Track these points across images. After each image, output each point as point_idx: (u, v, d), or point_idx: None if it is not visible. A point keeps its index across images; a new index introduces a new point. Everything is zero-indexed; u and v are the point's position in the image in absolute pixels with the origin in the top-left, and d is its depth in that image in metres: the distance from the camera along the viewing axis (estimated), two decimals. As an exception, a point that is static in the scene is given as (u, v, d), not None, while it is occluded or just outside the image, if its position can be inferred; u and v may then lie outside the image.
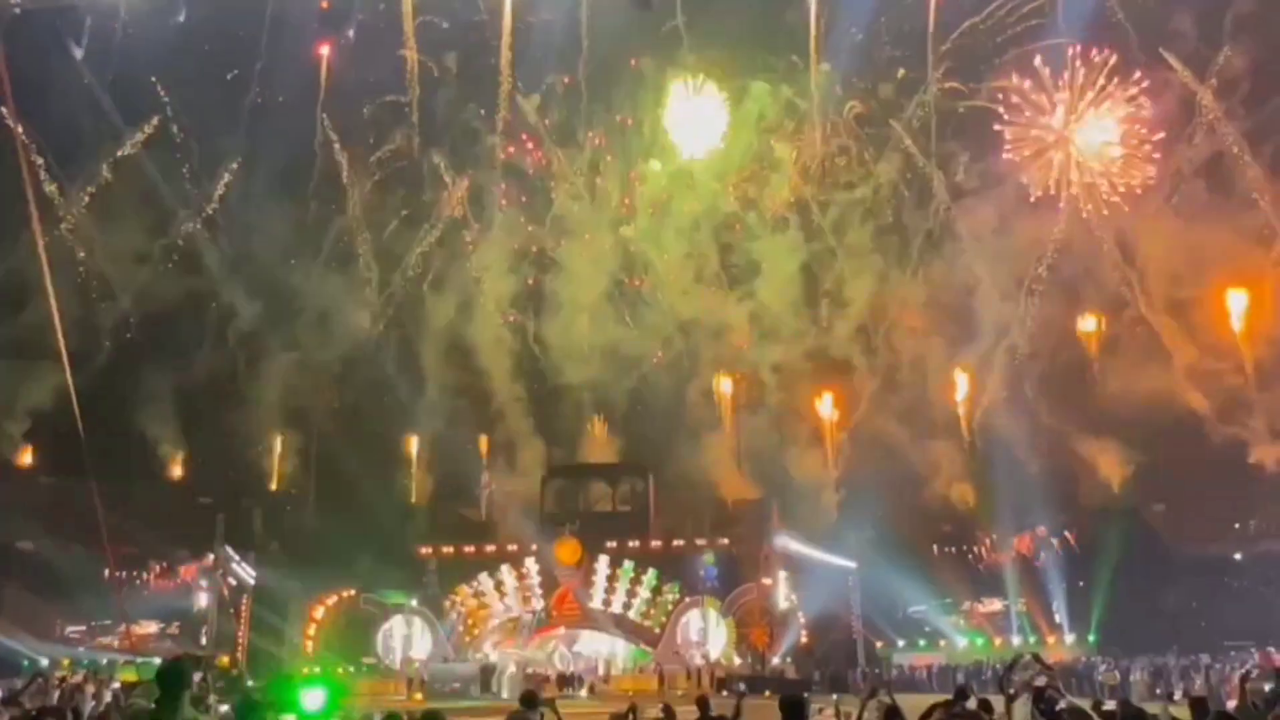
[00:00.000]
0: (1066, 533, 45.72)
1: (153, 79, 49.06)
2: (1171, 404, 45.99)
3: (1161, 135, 48.74)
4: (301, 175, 52.87)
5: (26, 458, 49.52)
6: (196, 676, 7.84)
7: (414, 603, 47.93)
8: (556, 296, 53.01)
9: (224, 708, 9.50)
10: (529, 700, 10.20)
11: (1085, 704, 14.78)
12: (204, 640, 43.41)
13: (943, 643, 45.82)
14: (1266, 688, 25.16)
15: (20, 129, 35.51)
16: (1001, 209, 51.28)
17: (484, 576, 48.08)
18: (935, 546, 48.82)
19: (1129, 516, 45.85)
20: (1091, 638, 44.07)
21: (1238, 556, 44.61)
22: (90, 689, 27.87)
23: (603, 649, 47.50)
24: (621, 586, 47.93)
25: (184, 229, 50.94)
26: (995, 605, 46.31)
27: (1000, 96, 50.42)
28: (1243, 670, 31.18)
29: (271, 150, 51.25)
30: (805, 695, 8.48)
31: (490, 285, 53.33)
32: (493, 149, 54.70)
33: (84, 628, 43.54)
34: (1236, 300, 46.63)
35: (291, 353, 51.32)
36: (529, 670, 44.46)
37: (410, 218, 54.38)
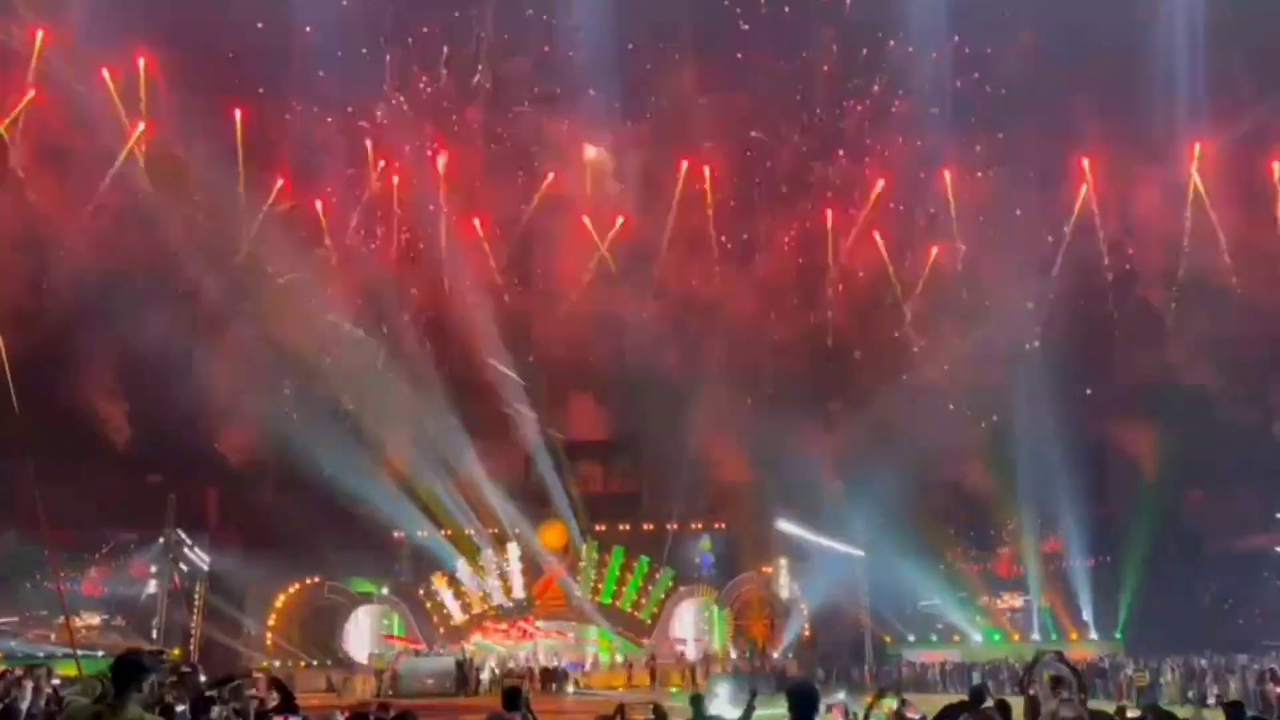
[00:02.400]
0: (1093, 523, 45.80)
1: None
2: (1200, 383, 46.33)
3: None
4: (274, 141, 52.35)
5: (-50, 430, 48.82)
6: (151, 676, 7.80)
7: (384, 591, 48.03)
8: (544, 262, 52.74)
9: (180, 707, 9.29)
10: (511, 699, 9.96)
11: (1109, 707, 14.77)
12: (154, 634, 43.04)
13: (957, 638, 45.93)
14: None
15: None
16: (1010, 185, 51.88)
17: (461, 563, 48.05)
18: (951, 529, 49.00)
19: (1160, 505, 45.71)
20: (1118, 635, 44.33)
21: (1279, 549, 44.86)
22: (29, 684, 27.99)
23: (590, 642, 47.58)
24: (610, 574, 48.11)
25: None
26: (1015, 601, 46.51)
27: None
28: (1261, 669, 31.78)
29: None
30: (817, 685, 8.20)
31: (471, 250, 52.94)
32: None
33: (16, 619, 43.26)
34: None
35: (253, 317, 50.70)
36: (510, 665, 44.82)
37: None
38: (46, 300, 44.04)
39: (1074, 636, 44.16)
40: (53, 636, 42.67)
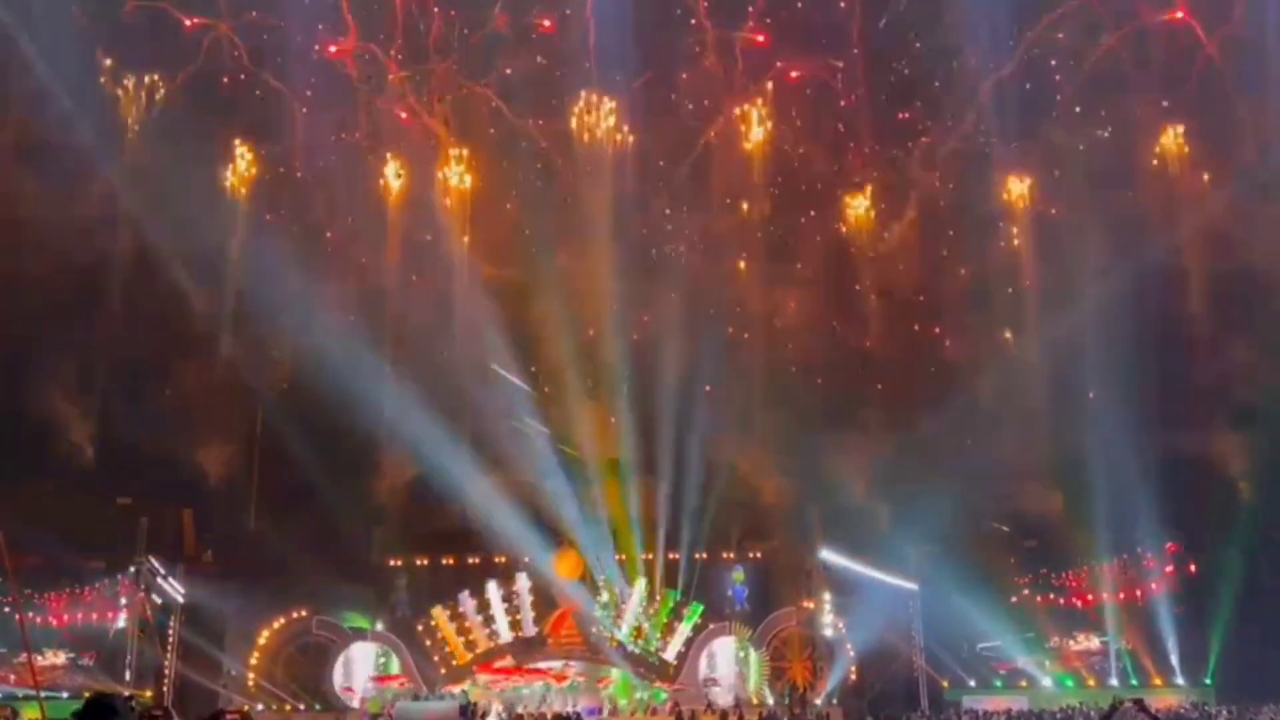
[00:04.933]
0: (1179, 553, 44.39)
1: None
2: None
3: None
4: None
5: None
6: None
7: (379, 626, 46.96)
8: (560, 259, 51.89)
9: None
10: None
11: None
12: (128, 674, 41.99)
13: (1024, 683, 44.53)
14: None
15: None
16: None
17: (465, 595, 46.99)
18: (1015, 560, 47.57)
19: (1255, 532, 43.98)
20: (1208, 681, 42.92)
21: (1393, 584, 43.12)
22: None
23: (608, 684, 46.13)
24: (632, 609, 46.82)
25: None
26: (1091, 642, 45.01)
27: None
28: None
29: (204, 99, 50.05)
30: None
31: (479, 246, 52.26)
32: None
33: (-27, 657, 42.30)
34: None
35: (233, 324, 50.06)
36: (518, 710, 43.45)
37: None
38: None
39: (1158, 682, 42.92)
40: (13, 677, 41.68)
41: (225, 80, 51.69)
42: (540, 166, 53.44)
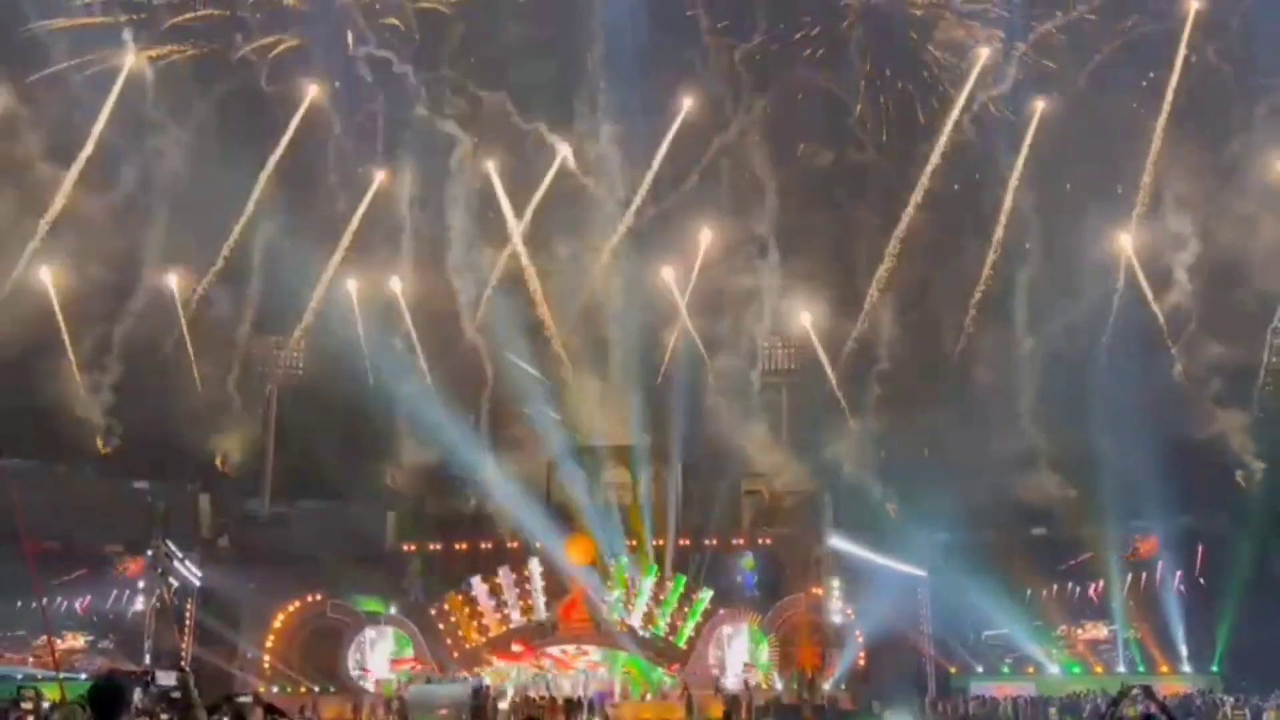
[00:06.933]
0: (1188, 540, 44.69)
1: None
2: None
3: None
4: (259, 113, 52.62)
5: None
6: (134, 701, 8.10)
7: (393, 610, 47.59)
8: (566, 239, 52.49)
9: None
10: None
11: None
12: (146, 658, 42.46)
13: (1031, 670, 44.89)
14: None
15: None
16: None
17: (477, 580, 47.69)
18: (1023, 548, 47.94)
19: (1265, 518, 44.11)
20: (1215, 668, 43.10)
21: None
22: (28, 708, 28.29)
23: (619, 668, 46.91)
24: (643, 594, 47.54)
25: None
26: (1099, 630, 45.47)
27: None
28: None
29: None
30: None
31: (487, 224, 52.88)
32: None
33: (-10, 640, 43.41)
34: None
35: (246, 309, 50.96)
36: (530, 693, 44.19)
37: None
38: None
39: (1165, 669, 42.98)
40: (30, 660, 42.46)
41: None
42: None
